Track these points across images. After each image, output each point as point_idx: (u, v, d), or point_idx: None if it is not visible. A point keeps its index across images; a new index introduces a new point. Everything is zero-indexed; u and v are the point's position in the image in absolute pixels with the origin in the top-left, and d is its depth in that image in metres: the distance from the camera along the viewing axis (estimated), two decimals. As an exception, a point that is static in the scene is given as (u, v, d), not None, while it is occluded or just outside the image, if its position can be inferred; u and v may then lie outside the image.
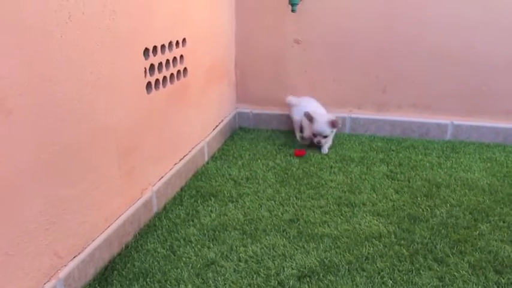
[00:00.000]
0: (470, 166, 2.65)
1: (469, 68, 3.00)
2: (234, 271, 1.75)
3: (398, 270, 1.74)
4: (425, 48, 3.00)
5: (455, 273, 1.72)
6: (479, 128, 3.05)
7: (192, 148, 2.56)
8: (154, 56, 2.07)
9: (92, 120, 1.65)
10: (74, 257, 1.62)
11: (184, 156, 2.45)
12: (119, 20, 1.76)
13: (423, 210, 2.15)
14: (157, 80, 2.11)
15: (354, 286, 1.66)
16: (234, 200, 2.27)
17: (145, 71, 2.00)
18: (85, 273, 1.67)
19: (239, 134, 3.21)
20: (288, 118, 3.25)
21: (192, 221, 2.09)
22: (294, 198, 2.28)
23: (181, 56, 2.33)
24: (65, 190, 1.54)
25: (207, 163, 2.70)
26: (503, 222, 2.06)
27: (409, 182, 2.44)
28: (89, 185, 1.67)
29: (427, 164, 2.68)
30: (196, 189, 2.37)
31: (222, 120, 3.06)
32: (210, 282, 1.69)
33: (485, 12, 2.87)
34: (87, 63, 1.60)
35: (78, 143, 1.59)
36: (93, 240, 1.72)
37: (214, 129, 2.90)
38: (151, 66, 2.06)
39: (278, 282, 1.68)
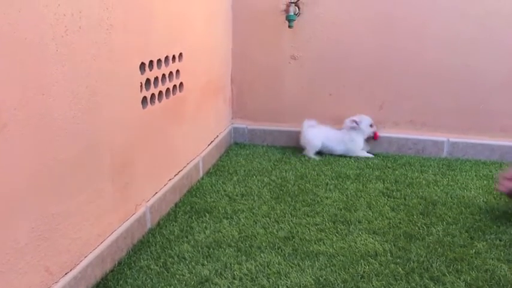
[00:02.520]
0: (466, 184, 2.64)
1: (466, 86, 3.01)
2: (228, 289, 1.73)
3: (395, 290, 1.72)
4: (423, 65, 3.01)
5: (451, 293, 1.70)
6: (475, 146, 3.05)
7: (187, 163, 2.54)
8: (151, 70, 2.06)
9: (86, 135, 1.64)
10: (66, 274, 1.59)
11: (179, 171, 2.44)
12: (116, 34, 1.75)
13: (419, 228, 2.14)
14: (153, 95, 2.10)
15: (350, 305, 1.65)
16: (229, 216, 2.25)
17: (141, 86, 1.99)
18: (77, 291, 1.64)
19: (234, 150, 3.20)
20: (283, 134, 3.26)
21: (186, 237, 2.07)
22: (289, 215, 2.26)
23: (178, 71, 2.32)
24: (57, 206, 1.52)
25: (202, 179, 2.68)
26: (500, 240, 2.04)
27: (405, 199, 2.43)
28: (82, 201, 1.65)
29: (423, 181, 2.67)
30: (190, 205, 2.35)
31: (218, 136, 3.05)
32: (204, 300, 1.67)
33: (482, 30, 2.89)
34: (83, 77, 1.59)
35: (72, 158, 1.57)
36: (85, 257, 1.70)
37: (209, 144, 2.88)
38: (147, 80, 2.05)
39: (273, 301, 1.66)
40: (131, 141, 1.95)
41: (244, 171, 2.80)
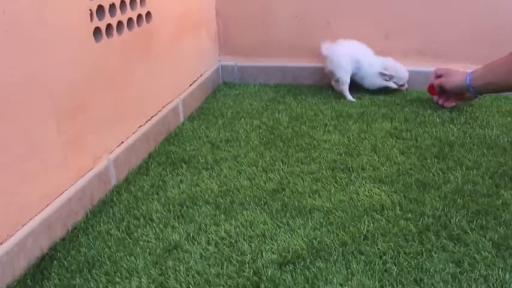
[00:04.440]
0: (487, 121, 2.27)
1: (483, 8, 2.59)
2: (201, 257, 1.41)
3: (405, 253, 1.39)
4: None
5: (475, 255, 1.37)
6: (496, 77, 2.67)
7: (163, 107, 2.19)
8: (104, -6, 1.69)
9: (14, 77, 1.29)
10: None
11: (152, 116, 2.09)
12: None
13: (434, 175, 1.79)
14: (109, 25, 1.73)
15: (349, 275, 1.32)
16: (210, 166, 1.92)
17: (91, 14, 1.62)
18: (12, 267, 1.33)
19: (222, 90, 2.84)
20: (277, 70, 2.89)
21: (157, 194, 1.75)
22: (280, 163, 1.92)
23: (143, -3, 1.95)
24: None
25: (183, 124, 2.34)
26: (531, 187, 1.70)
27: (416, 141, 2.08)
28: (16, 156, 1.32)
29: (438, 119, 2.30)
30: (166, 155, 2.02)
31: (202, 75, 2.68)
32: (169, 273, 1.35)
33: None
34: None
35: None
36: (23, 225, 1.38)
37: (191, 85, 2.52)
38: (100, 7, 1.68)
39: (253, 272, 1.34)
40: (82, 82, 1.60)
41: (232, 113, 2.45)
